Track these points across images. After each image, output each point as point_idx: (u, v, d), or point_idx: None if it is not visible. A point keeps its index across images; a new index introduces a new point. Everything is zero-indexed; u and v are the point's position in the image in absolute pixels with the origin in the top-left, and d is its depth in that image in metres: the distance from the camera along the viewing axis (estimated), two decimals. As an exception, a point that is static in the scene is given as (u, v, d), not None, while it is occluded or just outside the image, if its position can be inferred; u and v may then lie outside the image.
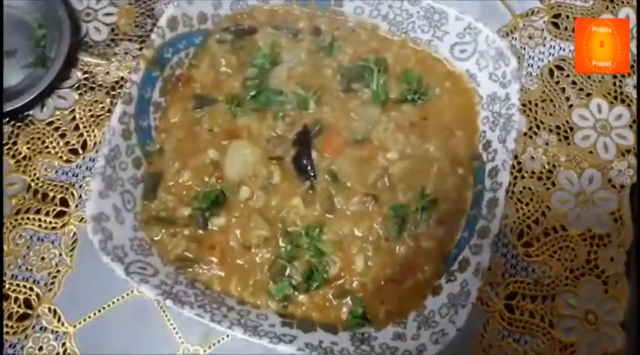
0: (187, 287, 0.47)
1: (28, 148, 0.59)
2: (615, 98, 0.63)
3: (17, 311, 0.53)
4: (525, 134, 0.60)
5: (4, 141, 0.59)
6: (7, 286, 0.54)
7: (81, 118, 0.60)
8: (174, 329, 0.53)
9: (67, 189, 0.57)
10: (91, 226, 0.45)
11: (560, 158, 0.60)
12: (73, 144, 0.59)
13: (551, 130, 0.61)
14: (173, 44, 0.53)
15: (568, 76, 0.64)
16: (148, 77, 0.51)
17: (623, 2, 0.67)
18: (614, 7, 0.67)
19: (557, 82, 0.63)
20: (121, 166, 0.48)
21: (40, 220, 0.56)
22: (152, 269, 0.46)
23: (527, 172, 0.59)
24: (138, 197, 0.50)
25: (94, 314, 0.53)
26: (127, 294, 0.53)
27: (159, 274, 0.46)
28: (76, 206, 0.57)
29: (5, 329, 0.52)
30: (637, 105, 0.62)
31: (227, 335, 0.52)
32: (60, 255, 0.55)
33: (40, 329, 0.52)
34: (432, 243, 0.50)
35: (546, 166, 0.59)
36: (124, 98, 0.49)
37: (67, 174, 0.58)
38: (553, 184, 0.59)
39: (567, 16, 0.66)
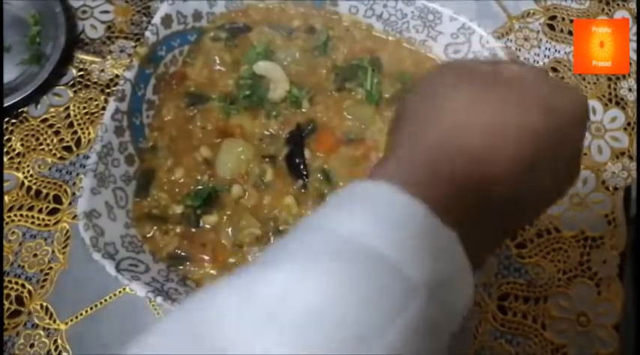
0: (178, 284, 0.46)
1: (22, 145, 0.59)
2: (610, 100, 0.63)
3: (9, 308, 0.53)
4: (520, 135, 0.60)
5: (-2, 138, 0.59)
6: (-2, 283, 0.54)
7: (75, 116, 0.60)
8: (165, 327, 0.53)
9: (60, 186, 0.57)
10: (82, 223, 0.45)
11: (555, 160, 0.60)
12: (67, 142, 0.59)
13: (545, 132, 0.61)
14: (167, 42, 0.53)
15: (563, 78, 0.64)
16: (142, 74, 0.51)
17: (618, 5, 0.67)
18: (609, 10, 0.67)
19: (552, 84, 0.63)
20: (114, 163, 0.48)
21: (32, 217, 0.56)
22: (143, 266, 0.46)
23: (521, 173, 0.59)
24: (130, 194, 0.50)
25: (86, 311, 0.53)
26: (119, 292, 0.53)
27: (150, 271, 0.46)
28: (69, 203, 0.57)
29: (-4, 326, 0.52)
30: (637, 109, 0.62)
31: (218, 334, 0.52)
32: (52, 252, 0.55)
33: (32, 326, 0.52)
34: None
35: (540, 168, 0.59)
36: (117, 95, 0.49)
37: (60, 171, 0.58)
38: (547, 186, 0.59)
39: (563, 18, 0.67)
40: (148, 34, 0.51)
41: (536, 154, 0.27)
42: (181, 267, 0.48)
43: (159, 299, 0.43)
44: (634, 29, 0.64)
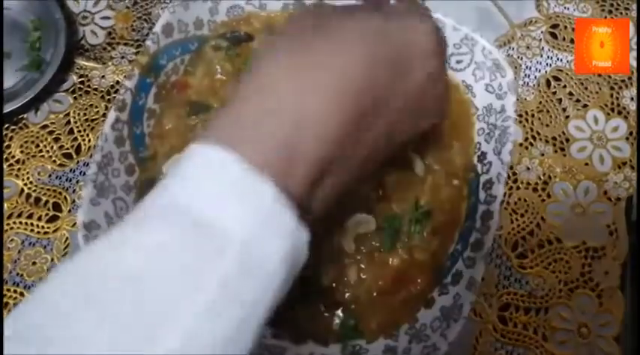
0: (178, 296, 0.46)
1: (22, 152, 0.59)
2: (612, 110, 0.62)
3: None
4: (521, 145, 0.60)
5: (-2, 145, 0.59)
6: (-4, 291, 0.53)
7: (75, 122, 0.60)
8: (165, 336, 0.52)
9: (60, 193, 0.57)
10: (82, 234, 0.44)
11: (556, 169, 0.59)
12: (67, 149, 0.59)
13: (547, 141, 0.61)
14: (168, 50, 0.53)
15: (565, 86, 0.63)
16: (142, 83, 0.51)
17: (621, 13, 0.67)
18: (612, 19, 0.67)
19: (554, 93, 0.63)
20: (114, 173, 0.48)
21: (32, 225, 0.56)
22: (143, 277, 0.46)
23: (522, 183, 0.59)
24: (131, 204, 0.49)
25: (85, 320, 0.53)
26: (119, 301, 0.53)
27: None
28: (69, 211, 0.56)
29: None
30: (637, 118, 0.62)
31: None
32: (52, 260, 0.54)
33: (31, 335, 0.52)
34: (426, 255, 0.49)
35: (542, 177, 0.59)
36: (117, 105, 0.49)
37: (60, 178, 0.58)
38: (548, 196, 0.58)
39: (565, 27, 0.66)
40: (148, 42, 0.51)
41: (360, 108, 0.29)
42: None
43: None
44: (635, 37, 0.64)
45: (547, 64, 0.65)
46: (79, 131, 0.60)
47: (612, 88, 0.63)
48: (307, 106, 0.28)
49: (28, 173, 0.58)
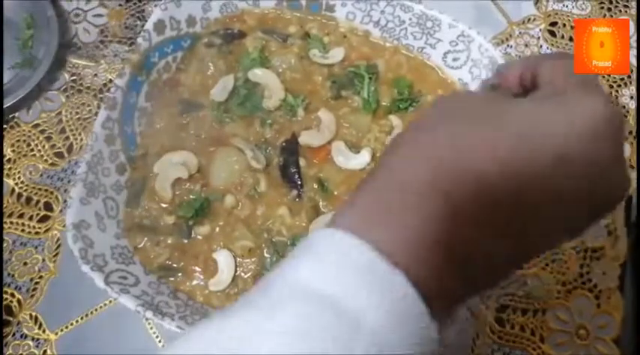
0: (169, 297, 0.46)
1: (13, 151, 0.58)
2: (611, 108, 0.61)
3: (-3, 318, 0.52)
4: (519, 144, 0.59)
5: (-12, 144, 0.58)
6: (-14, 292, 0.53)
7: (67, 121, 0.59)
8: (157, 337, 0.52)
9: (51, 193, 0.56)
10: (71, 234, 0.44)
11: (554, 169, 0.59)
12: (59, 148, 0.58)
13: (545, 140, 0.60)
14: (160, 48, 0.52)
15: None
16: (134, 82, 0.50)
17: (620, 11, 0.66)
18: (611, 16, 0.66)
19: (553, 92, 0.62)
20: (104, 172, 0.47)
21: (23, 225, 0.55)
22: (133, 278, 0.45)
23: (520, 183, 0.58)
24: (121, 204, 0.49)
25: (77, 321, 0.52)
26: (110, 301, 0.52)
27: (140, 284, 0.45)
28: (61, 210, 0.56)
29: (-16, 336, 0.51)
30: (636, 116, 0.61)
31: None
32: (43, 260, 0.54)
33: (21, 336, 0.51)
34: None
35: (540, 177, 0.58)
36: (108, 103, 0.48)
37: (52, 177, 0.57)
38: (547, 195, 0.57)
39: (564, 24, 0.65)
40: (140, 40, 0.50)
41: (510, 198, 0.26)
42: (172, 279, 0.48)
43: (148, 314, 0.42)
44: (635, 35, 0.63)
45: (545, 62, 0.64)
46: (71, 130, 0.59)
47: (611, 87, 0.63)
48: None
49: (19, 172, 0.57)
